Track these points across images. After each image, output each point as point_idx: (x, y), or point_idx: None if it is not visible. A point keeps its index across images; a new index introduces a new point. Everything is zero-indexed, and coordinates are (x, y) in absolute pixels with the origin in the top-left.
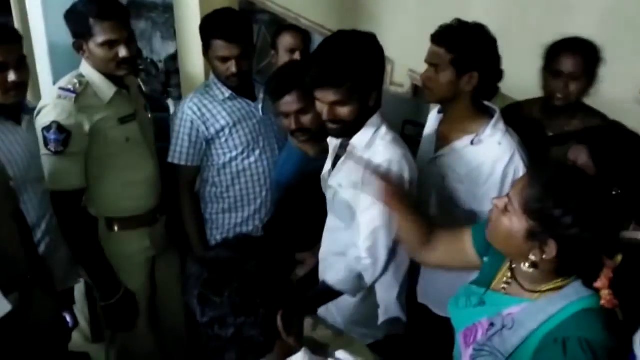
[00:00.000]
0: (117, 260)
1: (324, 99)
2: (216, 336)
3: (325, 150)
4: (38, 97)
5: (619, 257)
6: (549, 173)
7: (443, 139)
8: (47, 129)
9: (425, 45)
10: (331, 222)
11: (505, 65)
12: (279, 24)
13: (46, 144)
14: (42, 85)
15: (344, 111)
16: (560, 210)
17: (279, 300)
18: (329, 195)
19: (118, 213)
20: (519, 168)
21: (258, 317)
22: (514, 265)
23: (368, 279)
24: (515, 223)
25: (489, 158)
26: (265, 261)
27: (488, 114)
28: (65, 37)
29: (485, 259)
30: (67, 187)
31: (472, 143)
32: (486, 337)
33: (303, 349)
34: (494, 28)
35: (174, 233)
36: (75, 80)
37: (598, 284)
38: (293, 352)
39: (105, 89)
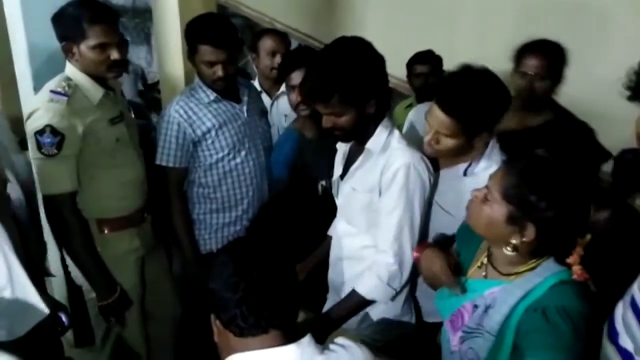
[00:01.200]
0: (110, 261)
1: (320, 111)
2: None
3: (321, 135)
4: (17, 100)
5: (588, 236)
6: (522, 163)
7: (432, 161)
8: (40, 132)
9: (400, 49)
10: (341, 227)
11: None
12: (252, 28)
13: (39, 148)
14: (21, 89)
15: (340, 121)
16: (535, 195)
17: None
18: (340, 200)
19: (109, 214)
20: None
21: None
22: (490, 252)
23: (397, 285)
24: (496, 209)
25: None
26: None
27: (483, 142)
28: (46, 39)
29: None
30: (60, 190)
31: (464, 174)
32: (474, 320)
33: (308, 335)
34: (470, 37)
35: (159, 232)
36: (64, 83)
37: (570, 260)
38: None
39: (94, 91)
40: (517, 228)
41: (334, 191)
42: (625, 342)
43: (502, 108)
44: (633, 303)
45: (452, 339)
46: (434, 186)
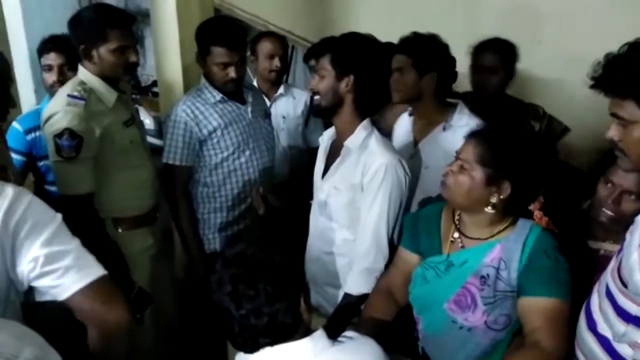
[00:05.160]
0: (125, 259)
1: (315, 69)
2: (252, 326)
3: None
4: (17, 104)
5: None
6: (487, 132)
7: (418, 138)
8: (59, 135)
9: None
10: (320, 223)
11: None
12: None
13: (58, 151)
14: (21, 93)
15: (321, 84)
16: (507, 156)
17: (301, 285)
18: (320, 196)
19: (124, 213)
20: None
21: (288, 303)
22: (459, 225)
23: (378, 274)
24: (475, 175)
25: (461, 139)
26: (286, 252)
27: (452, 106)
28: None
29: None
30: (79, 191)
31: (443, 129)
32: (491, 289)
33: (320, 328)
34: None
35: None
36: (79, 87)
37: (532, 207)
38: (310, 330)
39: (108, 94)
40: (495, 188)
41: (314, 188)
42: (604, 329)
43: (445, 50)
44: (607, 292)
45: (468, 317)
46: (416, 161)
